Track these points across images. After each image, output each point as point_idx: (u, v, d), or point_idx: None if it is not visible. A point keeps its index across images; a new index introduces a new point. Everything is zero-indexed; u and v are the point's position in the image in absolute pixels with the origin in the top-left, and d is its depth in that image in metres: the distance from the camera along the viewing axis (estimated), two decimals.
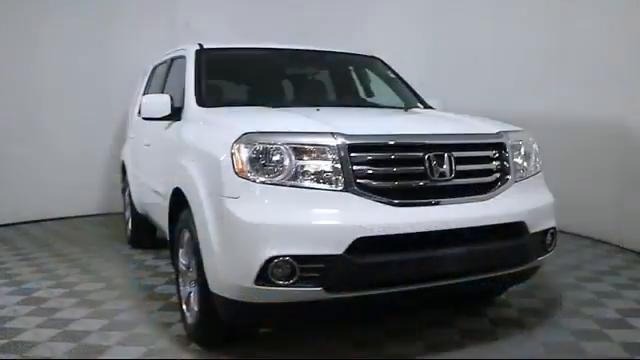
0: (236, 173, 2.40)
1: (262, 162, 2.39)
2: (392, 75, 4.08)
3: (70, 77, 6.57)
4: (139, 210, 4.82)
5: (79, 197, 6.82)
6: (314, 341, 2.94)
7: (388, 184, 2.43)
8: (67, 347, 2.92)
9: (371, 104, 3.75)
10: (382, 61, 4.18)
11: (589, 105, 4.91)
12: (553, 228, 2.86)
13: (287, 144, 2.40)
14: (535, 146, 2.98)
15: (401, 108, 3.71)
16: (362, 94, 3.99)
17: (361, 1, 6.85)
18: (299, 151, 2.40)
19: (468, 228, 2.49)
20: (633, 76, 4.53)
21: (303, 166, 2.38)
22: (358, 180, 2.39)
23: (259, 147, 2.41)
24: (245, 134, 2.44)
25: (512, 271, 2.76)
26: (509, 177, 2.71)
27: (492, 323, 3.17)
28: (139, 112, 4.84)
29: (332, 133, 2.44)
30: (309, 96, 3.81)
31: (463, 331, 3.05)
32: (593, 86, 4.86)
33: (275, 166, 2.39)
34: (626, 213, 4.69)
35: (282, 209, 2.34)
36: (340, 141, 2.41)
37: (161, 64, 4.66)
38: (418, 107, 3.80)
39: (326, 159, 2.39)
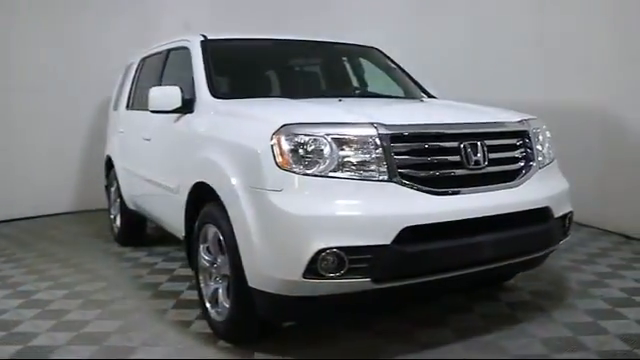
0: (278, 165, 2.36)
1: (304, 154, 2.37)
2: (393, 65, 4.11)
3: (37, 72, 6.28)
4: (131, 206, 4.68)
5: (49, 195, 6.56)
6: (343, 334, 2.94)
7: (427, 173, 2.46)
8: (90, 350, 2.82)
9: (382, 94, 3.76)
10: (381, 51, 4.20)
11: (570, 91, 5.07)
12: (571, 212, 2.96)
13: (328, 135, 2.38)
14: (548, 133, 3.07)
15: (414, 98, 3.74)
16: (369, 84, 4.00)
17: None
18: (341, 142, 2.38)
19: (502, 214, 2.55)
20: (612, 65, 4.72)
21: (345, 157, 2.37)
22: (400, 170, 2.40)
23: (300, 139, 2.38)
24: (284, 125, 2.41)
25: (537, 255, 2.84)
26: (533, 164, 2.79)
27: (509, 307, 3.25)
28: (127, 106, 4.75)
29: (372, 123, 2.44)
30: (320, 86, 3.78)
31: (484, 316, 3.12)
32: (575, 74, 5.02)
33: (317, 157, 2.36)
34: (608, 196, 4.90)
35: (328, 201, 2.32)
36: (382, 131, 2.41)
37: (151, 56, 4.53)
38: (423, 97, 3.85)
39: (368, 150, 2.39)
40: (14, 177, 6.21)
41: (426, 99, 3.74)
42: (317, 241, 2.26)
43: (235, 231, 2.52)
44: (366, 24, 6.22)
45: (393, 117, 2.54)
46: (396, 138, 2.43)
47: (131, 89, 4.85)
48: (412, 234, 2.33)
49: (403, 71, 4.09)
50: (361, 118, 2.51)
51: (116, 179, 4.92)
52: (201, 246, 3.01)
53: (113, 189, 5.18)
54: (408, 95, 3.85)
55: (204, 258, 2.99)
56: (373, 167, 2.38)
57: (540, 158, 2.87)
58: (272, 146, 2.39)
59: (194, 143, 3.07)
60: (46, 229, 5.89)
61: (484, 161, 2.58)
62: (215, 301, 2.93)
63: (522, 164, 2.76)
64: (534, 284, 3.60)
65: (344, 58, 4.12)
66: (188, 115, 3.30)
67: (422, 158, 2.47)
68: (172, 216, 3.48)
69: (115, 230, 5.20)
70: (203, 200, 2.96)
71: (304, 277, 2.29)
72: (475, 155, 2.56)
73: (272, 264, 2.37)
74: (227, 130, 2.77)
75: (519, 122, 2.86)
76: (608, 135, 4.86)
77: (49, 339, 2.96)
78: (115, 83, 5.52)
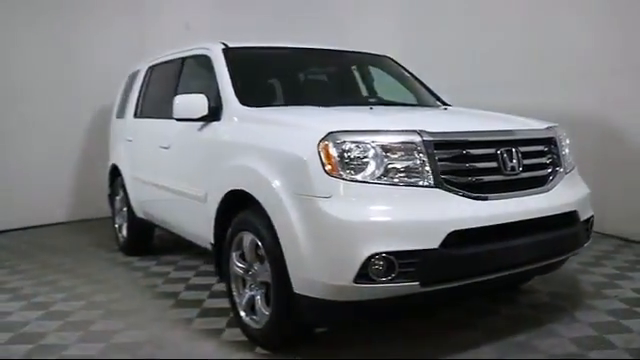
0: (326, 172, 2.40)
1: (351, 160, 2.41)
2: (406, 73, 4.19)
3: (34, 78, 6.20)
4: (140, 215, 4.65)
5: (42, 205, 6.44)
6: (377, 338, 2.98)
7: (468, 179, 2.53)
8: None
9: (406, 103, 3.82)
10: (394, 59, 4.28)
11: (564, 97, 5.22)
12: (592, 216, 3.07)
13: (374, 142, 2.44)
14: (568, 140, 3.18)
15: (431, 106, 3.83)
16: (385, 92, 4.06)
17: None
18: (387, 149, 2.44)
19: (537, 218, 2.64)
20: (603, 73, 4.88)
21: (391, 163, 2.43)
22: (443, 176, 2.47)
23: (347, 146, 2.42)
24: (330, 133, 2.45)
25: (563, 257, 2.95)
26: (560, 169, 2.89)
27: (532, 309, 3.35)
28: (136, 114, 4.72)
29: (416, 131, 2.50)
30: (343, 94, 3.83)
31: (510, 317, 3.21)
32: (568, 81, 5.18)
33: (364, 164, 2.41)
34: (606, 200, 5.06)
35: (377, 206, 2.37)
36: (426, 138, 2.48)
37: (162, 64, 4.52)
38: (439, 105, 3.94)
39: (414, 156, 2.45)
40: (9, 186, 6.09)
41: (445, 107, 3.81)
42: (369, 246, 2.30)
43: (280, 238, 2.54)
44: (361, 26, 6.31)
45: (433, 125, 2.60)
46: (439, 145, 2.50)
47: (139, 97, 4.82)
48: (457, 238, 2.39)
49: (416, 79, 4.18)
50: (404, 125, 2.57)
51: (123, 188, 4.88)
52: (233, 254, 3.02)
53: (119, 198, 5.13)
54: (424, 103, 3.93)
55: (237, 266, 3.00)
56: (418, 173, 2.44)
57: (566, 164, 2.97)
58: (319, 153, 2.43)
59: (226, 151, 3.08)
60: (43, 239, 5.79)
61: (519, 167, 2.67)
62: (250, 309, 2.94)
63: (551, 170, 2.85)
64: (549, 286, 3.70)
65: (358, 66, 4.18)
66: (215, 123, 3.31)
67: (462, 164, 2.54)
68: (196, 224, 3.48)
69: (120, 239, 5.15)
70: (236, 208, 2.98)
71: (355, 282, 2.33)
72: (511, 161, 2.65)
73: (321, 270, 2.40)
74: (267, 138, 2.79)
75: (547, 129, 2.96)
76: (603, 139, 5.02)
77: (80, 351, 2.93)
78: (117, 91, 5.49)
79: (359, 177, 2.41)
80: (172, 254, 4.93)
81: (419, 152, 2.45)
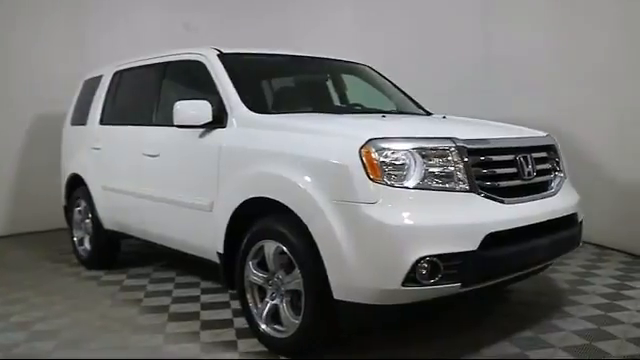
0: (370, 179, 2.44)
1: (393, 167, 2.47)
2: (386, 82, 4.30)
3: None
4: (111, 227, 4.42)
5: None
6: (395, 339, 3.04)
7: (496, 183, 2.66)
8: None
9: (395, 111, 3.92)
10: (373, 68, 4.38)
11: (517, 105, 5.54)
12: (582, 219, 3.32)
13: (413, 149, 2.51)
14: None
15: (420, 114, 3.95)
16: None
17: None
18: (425, 155, 2.51)
19: (550, 220, 2.83)
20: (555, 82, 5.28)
21: (430, 170, 2.50)
22: (476, 181, 2.59)
23: (388, 152, 2.48)
24: (371, 140, 2.49)
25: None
26: (561, 175, 3.11)
27: (524, 306, 3.54)
28: (102, 120, 4.49)
29: (451, 138, 2.60)
30: (342, 102, 3.86)
31: (509, 315, 3.38)
32: (520, 90, 5.54)
33: (405, 170, 2.47)
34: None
35: (421, 211, 2.44)
36: (460, 145, 2.58)
37: (136, 69, 4.33)
38: (423, 113, 4.08)
39: (450, 162, 2.54)
40: None
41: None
42: (416, 250, 2.36)
43: (320, 245, 2.54)
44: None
45: (459, 133, 2.70)
46: (472, 151, 2.61)
47: (106, 103, 4.58)
48: (491, 240, 2.51)
49: (397, 87, 4.30)
50: (438, 133, 2.66)
51: (87, 198, 4.60)
52: (250, 263, 2.97)
53: (79, 209, 4.84)
54: (412, 110, 4.05)
55: (255, 275, 2.95)
56: (455, 179, 2.53)
57: (564, 169, 3.19)
58: (362, 160, 2.46)
59: (242, 158, 3.02)
60: None
61: (533, 172, 2.85)
62: (271, 319, 2.90)
63: (554, 175, 3.06)
64: (527, 285, 3.90)
65: (349, 75, 4.23)
66: (219, 130, 3.23)
67: (490, 170, 2.67)
68: (196, 234, 3.38)
69: (81, 253, 4.85)
70: (252, 216, 2.94)
71: (403, 285, 2.38)
72: (527, 167, 2.82)
73: (368, 275, 2.43)
74: (296, 145, 2.75)
75: (547, 136, 3.18)
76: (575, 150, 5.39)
77: None
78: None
79: (401, 183, 2.46)
80: (140, 267, 4.73)
81: (455, 158, 2.55)
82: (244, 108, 3.20)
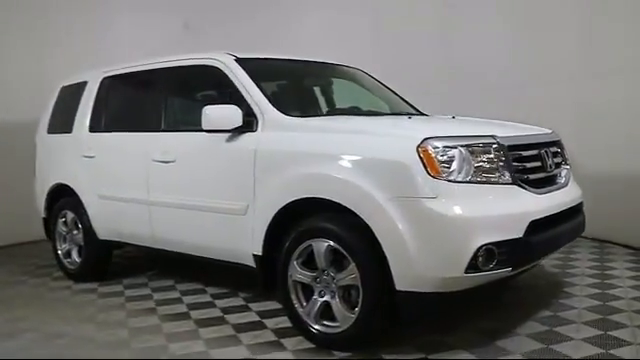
0: (430, 175, 2.61)
1: (447, 163, 2.65)
2: (381, 85, 4.49)
3: None
4: (107, 237, 4.30)
5: None
6: (422, 331, 3.22)
7: (529, 176, 2.91)
8: None
9: (405, 112, 4.10)
10: (366, 72, 4.56)
11: (483, 107, 5.90)
12: None
13: (463, 146, 2.70)
14: None
15: (421, 114, 4.16)
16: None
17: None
18: (473, 152, 2.72)
19: (569, 208, 3.13)
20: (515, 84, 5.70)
21: (478, 165, 2.71)
22: (515, 174, 2.83)
23: (443, 150, 2.66)
24: (426, 139, 2.67)
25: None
26: (568, 167, 3.43)
27: (527, 290, 3.85)
28: (92, 128, 4.37)
29: (492, 136, 2.82)
30: (359, 105, 3.98)
31: (514, 304, 3.63)
32: (486, 92, 5.94)
33: (458, 166, 2.66)
34: None
35: (477, 203, 2.64)
36: (501, 142, 2.81)
37: (132, 75, 4.23)
38: (421, 114, 4.30)
39: (495, 158, 2.76)
40: None
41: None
42: (477, 239, 2.57)
43: (381, 239, 2.66)
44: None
45: (495, 131, 2.93)
46: (510, 147, 2.85)
47: (96, 110, 4.43)
48: (532, 227, 2.76)
49: (392, 91, 4.50)
50: (480, 131, 2.88)
51: (78, 208, 4.43)
52: (295, 262, 3.04)
53: (64, 220, 4.65)
54: (412, 112, 4.25)
55: (302, 274, 3.03)
56: (499, 172, 2.76)
57: (569, 163, 3.51)
58: (421, 157, 2.62)
59: (284, 160, 3.07)
60: None
61: (553, 165, 3.14)
62: (320, 315, 2.99)
63: (564, 167, 3.37)
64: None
65: (350, 79, 4.35)
66: (250, 134, 3.27)
67: (523, 164, 2.92)
68: (227, 239, 3.39)
69: (69, 266, 4.66)
70: (293, 217, 3.02)
71: (466, 272, 2.57)
72: (549, 160, 3.10)
73: (432, 265, 2.59)
74: (348, 146, 2.85)
75: (553, 133, 3.49)
76: None
77: None
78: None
79: (455, 177, 2.65)
80: (132, 276, 4.64)
81: (498, 154, 2.78)
82: (275, 111, 3.26)
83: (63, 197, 4.65)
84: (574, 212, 3.24)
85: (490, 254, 2.61)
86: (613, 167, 4.99)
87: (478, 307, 3.53)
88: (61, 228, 4.71)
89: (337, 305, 2.92)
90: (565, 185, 3.27)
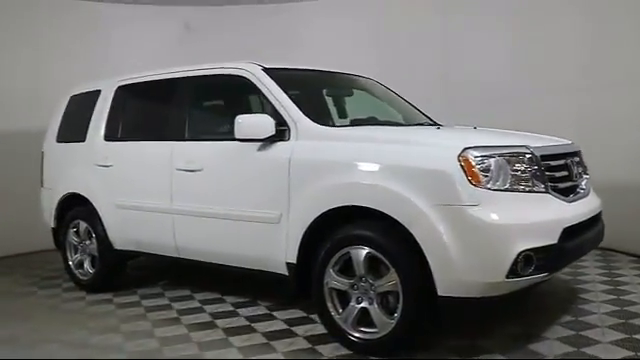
0: (472, 183, 2.69)
1: (487, 172, 2.74)
2: (395, 95, 4.57)
3: None
4: (123, 247, 4.28)
5: None
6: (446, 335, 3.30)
7: (559, 185, 3.02)
8: None
9: (427, 123, 4.19)
10: (379, 82, 4.63)
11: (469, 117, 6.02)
12: None
13: (500, 155, 2.80)
14: None
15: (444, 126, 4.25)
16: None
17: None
18: (509, 161, 2.82)
19: (592, 216, 3.25)
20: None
21: (515, 174, 2.81)
22: (548, 183, 2.93)
23: (482, 159, 2.75)
24: (466, 148, 2.75)
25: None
26: (588, 177, 3.55)
27: (538, 296, 3.97)
28: (107, 137, 4.36)
29: (526, 146, 2.93)
30: (380, 114, 4.05)
31: (539, 309, 3.76)
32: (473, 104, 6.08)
33: (496, 174, 2.76)
34: None
35: (516, 210, 2.74)
36: (534, 152, 2.91)
37: (149, 84, 4.24)
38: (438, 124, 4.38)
39: (530, 167, 2.86)
40: None
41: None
42: (517, 245, 2.66)
43: (424, 246, 2.73)
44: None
45: (526, 142, 3.04)
46: (542, 157, 2.95)
47: (112, 119, 4.42)
48: (565, 234, 2.87)
49: (406, 100, 4.59)
50: (516, 142, 2.98)
51: (93, 218, 4.40)
52: (331, 270, 3.09)
53: (76, 230, 4.60)
54: (424, 122, 4.34)
55: (338, 281, 3.07)
56: (534, 181, 2.86)
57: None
58: (462, 166, 2.71)
59: (319, 170, 3.13)
60: None
61: (577, 174, 3.26)
62: (357, 322, 3.03)
63: (585, 177, 3.49)
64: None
65: (366, 89, 4.43)
66: (282, 143, 3.31)
67: (553, 173, 3.02)
68: (259, 247, 3.42)
69: (81, 276, 4.61)
70: (328, 225, 3.08)
71: (506, 277, 2.66)
72: (574, 170, 3.22)
73: (474, 270, 2.67)
74: (388, 156, 2.93)
75: (573, 144, 3.61)
76: None
77: None
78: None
79: (494, 186, 2.74)
80: (145, 287, 4.61)
81: (532, 164, 2.88)
82: (308, 121, 3.32)
83: (75, 207, 4.61)
84: (595, 220, 3.36)
85: (529, 260, 2.70)
86: (612, 177, 5.17)
87: (503, 313, 3.61)
88: (72, 238, 4.66)
89: (376, 311, 2.97)
90: (587, 194, 3.39)
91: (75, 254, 4.67)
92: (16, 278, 5.17)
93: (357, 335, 3.03)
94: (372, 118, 4.06)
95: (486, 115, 5.87)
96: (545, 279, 2.90)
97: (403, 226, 2.81)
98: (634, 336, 3.12)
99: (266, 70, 3.64)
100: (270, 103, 3.47)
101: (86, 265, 4.58)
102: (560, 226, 2.83)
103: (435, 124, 4.36)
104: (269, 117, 3.31)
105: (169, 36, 6.93)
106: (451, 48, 6.39)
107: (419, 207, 2.75)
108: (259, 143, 3.38)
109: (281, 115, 3.38)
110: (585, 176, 3.51)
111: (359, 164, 3.01)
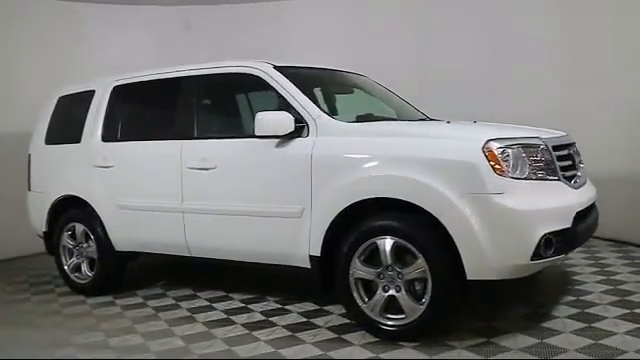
0: (497, 173, 2.87)
1: (509, 162, 2.92)
2: (389, 92, 4.72)
3: None
4: (125, 248, 4.26)
5: None
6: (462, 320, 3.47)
7: (566, 173, 3.25)
8: None
9: (420, 118, 4.35)
10: (373, 80, 4.76)
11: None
12: None
13: (519, 146, 2.99)
14: None
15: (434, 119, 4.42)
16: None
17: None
18: (528, 152, 3.01)
19: (591, 204, 3.49)
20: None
21: (532, 163, 3.01)
22: (559, 172, 3.15)
23: (504, 150, 2.92)
24: (489, 140, 2.93)
25: None
26: (583, 166, 3.80)
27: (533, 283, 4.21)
28: (104, 138, 4.30)
29: (539, 137, 3.13)
30: (384, 110, 4.18)
31: (535, 289, 4.01)
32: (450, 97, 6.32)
33: (517, 164, 2.95)
34: None
35: (537, 197, 2.93)
36: (547, 143, 3.12)
37: (150, 83, 4.21)
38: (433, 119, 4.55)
39: (545, 157, 3.06)
40: None
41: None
42: (540, 229, 2.86)
43: (453, 233, 2.88)
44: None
45: (536, 133, 3.25)
46: (554, 148, 3.17)
47: (110, 119, 4.35)
48: (576, 218, 3.09)
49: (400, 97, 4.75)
50: (529, 134, 3.18)
51: (91, 220, 4.33)
52: (357, 260, 3.19)
53: (72, 233, 4.51)
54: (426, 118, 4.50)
55: (364, 271, 3.18)
56: (549, 170, 3.07)
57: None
58: (487, 157, 2.88)
59: (343, 165, 3.22)
60: None
61: (579, 164, 3.50)
62: (385, 309, 3.15)
63: (581, 166, 3.73)
64: None
65: (366, 86, 4.53)
66: (301, 139, 3.38)
67: (562, 162, 3.24)
68: (280, 242, 3.47)
69: (77, 280, 4.53)
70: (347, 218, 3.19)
71: (531, 260, 2.85)
72: (576, 159, 3.46)
73: (501, 254, 2.85)
74: (411, 149, 3.06)
75: (568, 135, 3.85)
76: None
77: None
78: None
79: (516, 175, 2.93)
80: (144, 288, 4.59)
81: (547, 154, 3.09)
82: (327, 117, 3.41)
83: (70, 209, 4.51)
84: (593, 207, 3.61)
85: (549, 242, 2.90)
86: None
87: (508, 296, 3.81)
88: (67, 242, 4.56)
89: (404, 298, 3.09)
90: (585, 182, 3.63)
91: (70, 258, 4.57)
92: (1, 286, 4.99)
93: (385, 322, 3.15)
94: (369, 115, 4.19)
95: (459, 109, 6.15)
96: (559, 261, 3.11)
97: (430, 216, 2.96)
98: (634, 311, 3.39)
99: (277, 68, 3.70)
100: (285, 100, 3.53)
101: (84, 268, 4.50)
102: (573, 211, 3.06)
103: (433, 119, 4.53)
104: (288, 114, 3.38)
105: (147, 36, 6.86)
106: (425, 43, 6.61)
107: (448, 197, 2.90)
108: (277, 140, 3.45)
109: (298, 112, 3.45)
110: (581, 165, 3.77)
111: (388, 158, 3.12)
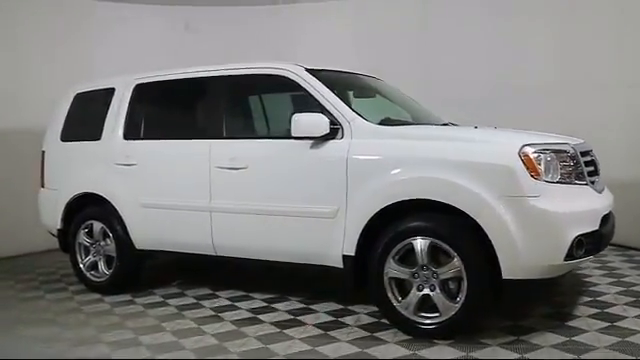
0: (532, 177, 2.99)
1: (544, 166, 3.05)
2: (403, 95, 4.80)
3: None
4: (150, 247, 4.26)
5: None
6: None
7: (590, 178, 3.38)
8: None
9: (442, 123, 4.43)
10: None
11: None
12: None
13: (552, 151, 3.12)
14: None
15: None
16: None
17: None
18: (560, 158, 3.14)
19: (609, 211, 3.62)
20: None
21: (564, 168, 3.14)
22: (586, 177, 3.28)
23: (539, 155, 3.05)
24: (525, 145, 3.05)
25: None
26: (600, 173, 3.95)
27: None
28: (126, 136, 4.31)
29: (568, 143, 3.26)
30: (408, 114, 4.26)
31: (548, 290, 4.14)
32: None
33: (550, 169, 3.07)
34: None
35: (570, 200, 3.06)
36: (575, 149, 3.25)
37: (185, 82, 4.21)
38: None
39: (574, 162, 3.20)
40: None
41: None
42: (572, 231, 2.99)
43: (490, 234, 2.98)
44: None
45: (562, 139, 3.38)
46: (581, 154, 3.30)
47: (132, 117, 4.35)
48: (603, 220, 3.23)
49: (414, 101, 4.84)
50: (558, 140, 3.31)
51: (111, 218, 4.33)
52: (391, 260, 3.27)
53: (89, 231, 4.50)
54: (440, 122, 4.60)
55: (399, 271, 3.26)
56: (578, 175, 3.20)
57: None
58: (523, 162, 2.99)
59: (380, 166, 3.31)
60: None
61: (600, 170, 3.65)
62: (418, 308, 3.24)
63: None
64: None
65: (382, 89, 4.62)
66: (336, 141, 3.45)
67: (588, 168, 3.38)
68: (314, 242, 3.53)
69: (93, 278, 4.51)
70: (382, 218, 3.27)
71: (565, 260, 2.98)
72: (598, 165, 3.60)
73: (536, 254, 2.97)
74: (448, 152, 3.16)
75: (586, 142, 4.00)
76: None
77: None
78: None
79: (549, 179, 3.05)
80: (161, 287, 4.58)
81: (575, 159, 3.22)
82: (361, 120, 3.49)
83: (87, 207, 4.49)
84: (610, 213, 3.75)
85: (580, 244, 3.03)
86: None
87: (528, 297, 3.91)
88: (84, 239, 4.54)
89: (439, 297, 3.18)
90: (604, 188, 3.78)
91: (86, 256, 4.55)
92: (10, 284, 4.94)
93: (420, 321, 3.23)
94: (387, 119, 4.28)
95: (468, 115, 6.30)
96: (587, 261, 3.25)
97: (466, 217, 3.06)
98: None
99: (309, 71, 3.76)
100: (319, 103, 3.59)
101: (101, 266, 4.48)
102: (600, 214, 3.20)
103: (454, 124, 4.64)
104: (324, 116, 3.44)
105: (154, 37, 6.84)
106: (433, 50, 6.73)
107: (486, 200, 3.00)
108: (311, 141, 3.51)
109: (332, 114, 3.52)
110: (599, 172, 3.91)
111: (424, 160, 3.22)
